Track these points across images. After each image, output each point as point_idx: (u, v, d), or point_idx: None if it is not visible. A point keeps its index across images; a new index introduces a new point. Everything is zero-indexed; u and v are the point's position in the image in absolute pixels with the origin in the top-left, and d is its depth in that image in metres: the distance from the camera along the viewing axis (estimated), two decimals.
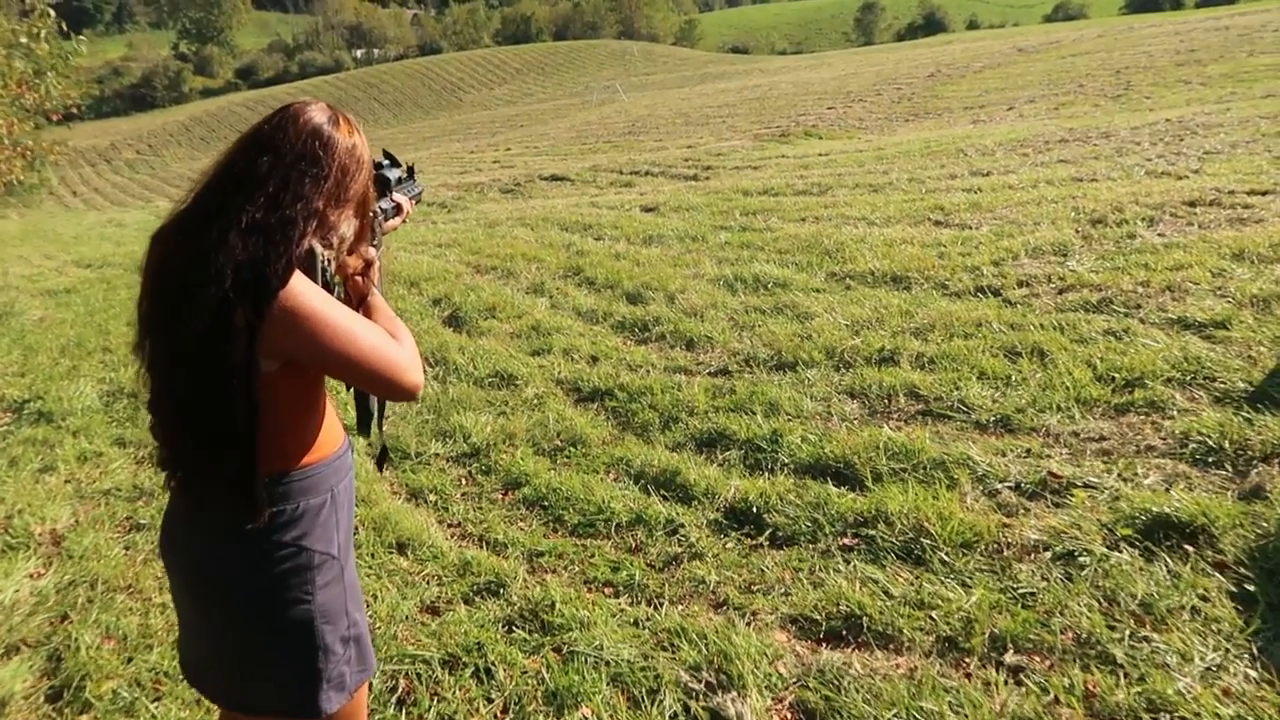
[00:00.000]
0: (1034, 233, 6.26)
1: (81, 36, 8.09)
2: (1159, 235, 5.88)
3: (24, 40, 6.18)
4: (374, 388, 1.54)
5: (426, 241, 9.57)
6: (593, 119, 29.86)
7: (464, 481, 3.91)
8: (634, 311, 5.83)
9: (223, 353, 1.40)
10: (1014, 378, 4.01)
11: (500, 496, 3.72)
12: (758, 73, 44.68)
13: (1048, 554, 2.75)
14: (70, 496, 4.09)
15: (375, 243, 1.73)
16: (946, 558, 2.80)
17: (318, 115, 1.55)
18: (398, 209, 2.00)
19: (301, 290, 1.42)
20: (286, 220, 1.44)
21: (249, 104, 56.86)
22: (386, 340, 1.52)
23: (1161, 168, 8.15)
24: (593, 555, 3.14)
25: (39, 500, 4.04)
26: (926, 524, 2.95)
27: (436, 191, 14.97)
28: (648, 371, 4.81)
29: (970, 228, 6.74)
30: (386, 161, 2.05)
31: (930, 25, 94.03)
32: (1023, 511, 3.00)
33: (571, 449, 4.04)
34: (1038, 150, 10.41)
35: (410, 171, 2.19)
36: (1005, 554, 2.78)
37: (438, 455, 4.18)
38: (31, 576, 3.40)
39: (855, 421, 3.89)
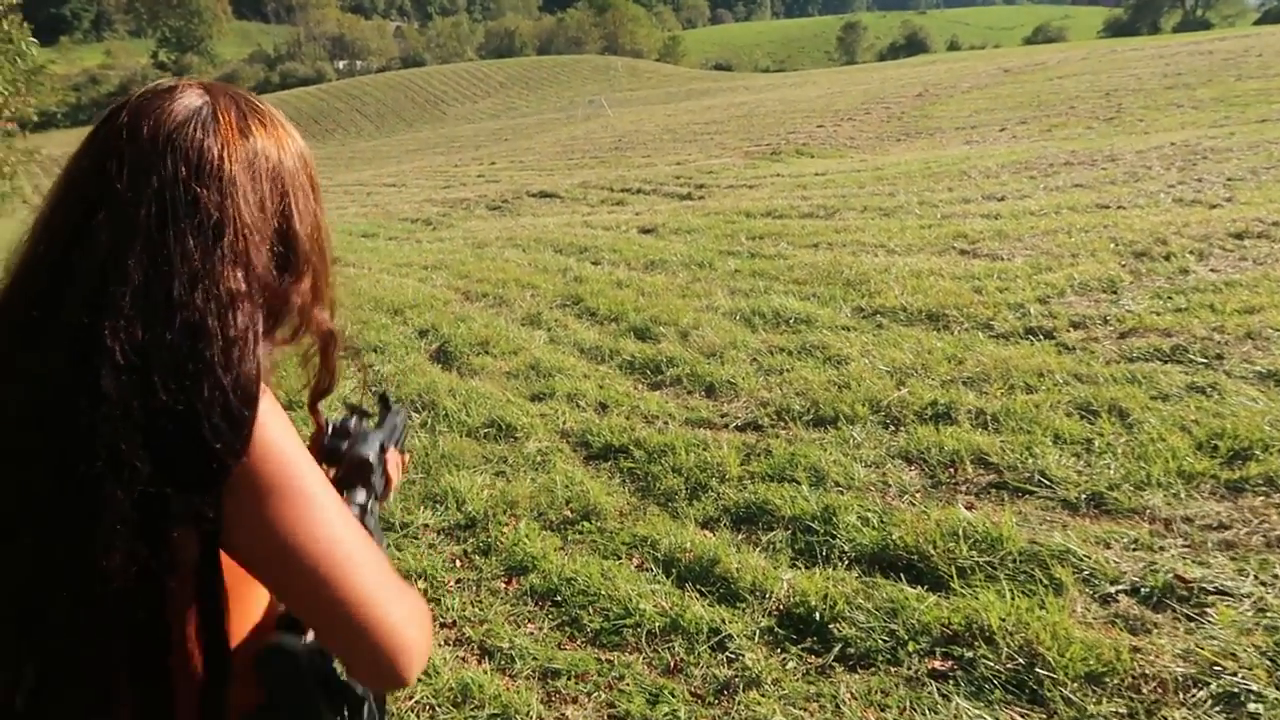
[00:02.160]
0: (1075, 265, 5.76)
1: (33, 40, 7.46)
2: (1213, 271, 5.40)
3: None
4: (351, 653, 0.87)
5: (411, 263, 8.97)
6: (578, 134, 29.35)
7: (459, 563, 3.31)
8: (643, 349, 5.26)
9: (149, 597, 0.78)
10: (1096, 443, 3.47)
11: (503, 585, 3.12)
12: (743, 90, 44.40)
13: (1202, 693, 2.19)
14: None
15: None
16: (1072, 695, 2.24)
17: (180, 110, 0.87)
18: (386, 483, 1.26)
19: (275, 437, 0.84)
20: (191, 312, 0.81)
21: None
22: (395, 583, 0.90)
23: (1188, 195, 7.71)
24: (621, 676, 2.55)
25: None
26: (1038, 646, 2.38)
27: (421, 207, 14.38)
28: (666, 424, 4.24)
29: (1002, 258, 6.24)
30: (349, 419, 1.23)
31: (912, 46, 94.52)
32: (1153, 629, 2.45)
33: (584, 523, 3.45)
34: (1043, 173, 9.99)
35: (384, 402, 1.41)
36: (1145, 692, 2.22)
37: (427, 527, 3.58)
38: None
39: (918, 495, 3.33)
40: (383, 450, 1.18)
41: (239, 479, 0.80)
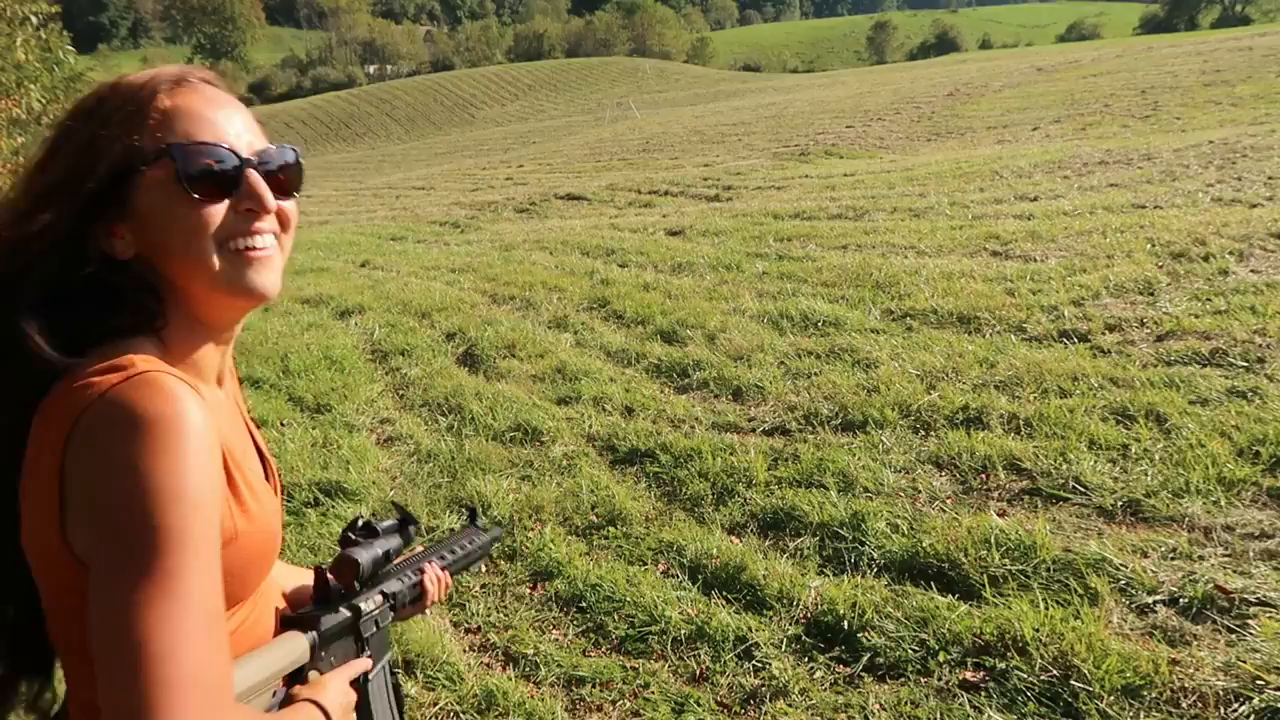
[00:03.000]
0: (1110, 267, 5.65)
1: (71, 49, 7.60)
2: (1253, 272, 5.27)
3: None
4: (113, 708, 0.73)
5: (439, 266, 9.01)
6: (606, 136, 29.37)
7: (484, 568, 3.30)
8: (670, 353, 5.23)
9: None
10: (1133, 449, 3.39)
11: (528, 591, 3.11)
12: (771, 90, 44.19)
13: (1244, 708, 2.13)
14: None
15: (364, 649, 1.09)
16: (1108, 709, 2.18)
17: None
18: (417, 593, 1.22)
19: (146, 416, 0.78)
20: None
21: (262, 119, 55.64)
22: (214, 706, 0.75)
23: (1228, 194, 7.54)
24: (647, 685, 2.52)
25: None
26: (1073, 657, 2.33)
27: (449, 210, 14.46)
28: (692, 428, 4.20)
29: (1035, 260, 6.14)
30: (380, 520, 1.15)
31: (943, 45, 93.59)
32: (1192, 640, 2.38)
33: (610, 528, 3.43)
34: (1077, 173, 9.83)
35: (471, 516, 1.38)
36: (1185, 706, 2.16)
37: (453, 531, 3.57)
38: None
39: (949, 501, 3.27)
40: (388, 557, 1.11)
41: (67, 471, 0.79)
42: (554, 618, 2.94)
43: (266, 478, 1.03)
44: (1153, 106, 17.40)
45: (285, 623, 1.03)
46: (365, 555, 1.07)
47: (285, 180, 0.97)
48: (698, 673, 2.56)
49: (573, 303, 6.69)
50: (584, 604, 2.96)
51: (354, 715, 1.06)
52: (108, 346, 0.85)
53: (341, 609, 1.06)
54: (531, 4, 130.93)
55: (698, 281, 6.83)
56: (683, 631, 2.72)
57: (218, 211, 0.90)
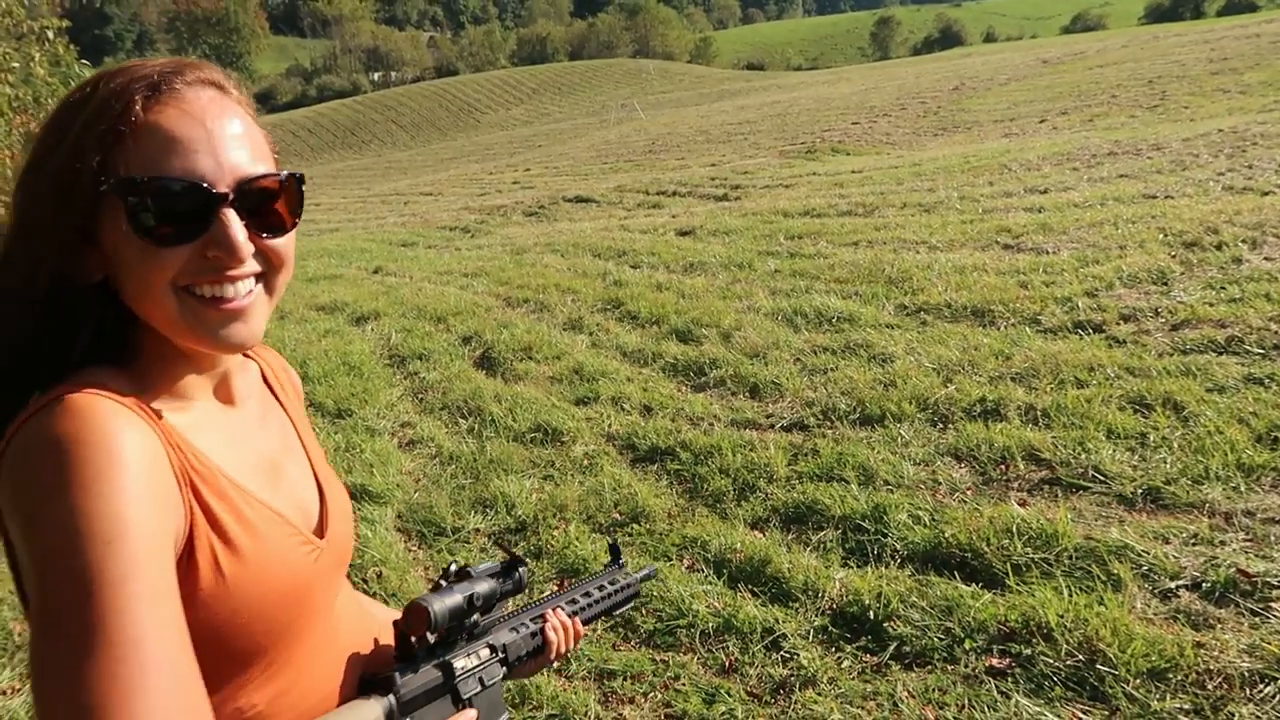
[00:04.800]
0: (1123, 258, 5.67)
1: (85, 62, 7.70)
2: (1267, 260, 5.28)
3: (15, 65, 5.77)
4: None
5: (452, 270, 9.07)
6: (612, 138, 29.43)
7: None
8: (686, 352, 5.28)
9: None
10: (1151, 437, 3.42)
11: (555, 588, 3.15)
12: (775, 89, 44.18)
13: (1270, 688, 2.16)
14: None
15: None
16: (1134, 692, 2.21)
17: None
18: (538, 644, 1.10)
19: (55, 443, 0.68)
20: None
21: (268, 128, 56.63)
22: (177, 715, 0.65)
23: (1239, 183, 7.54)
24: (677, 677, 2.56)
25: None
26: (1098, 642, 2.36)
27: (458, 215, 14.53)
28: (711, 425, 4.25)
29: (1047, 252, 6.16)
30: (474, 567, 1.01)
31: (947, 39, 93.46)
32: (1216, 624, 2.41)
33: (634, 525, 3.47)
34: (1086, 164, 9.83)
35: (614, 553, 1.24)
36: (1210, 688, 2.19)
37: (478, 531, 3.62)
38: (4, 693, 2.87)
39: (969, 492, 3.30)
40: (471, 603, 0.94)
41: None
42: None
43: (321, 519, 0.92)
44: (1160, 96, 17.34)
45: (362, 685, 0.91)
46: (439, 603, 0.91)
47: (280, 211, 0.82)
48: (727, 664, 2.60)
49: (587, 304, 6.74)
50: None
51: None
52: (71, 375, 0.76)
53: (428, 667, 0.92)
54: (534, 7, 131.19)
55: (710, 281, 6.87)
56: (710, 624, 2.76)
57: (176, 257, 0.76)
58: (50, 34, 6.53)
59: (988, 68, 31.08)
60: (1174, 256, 5.54)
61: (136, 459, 0.69)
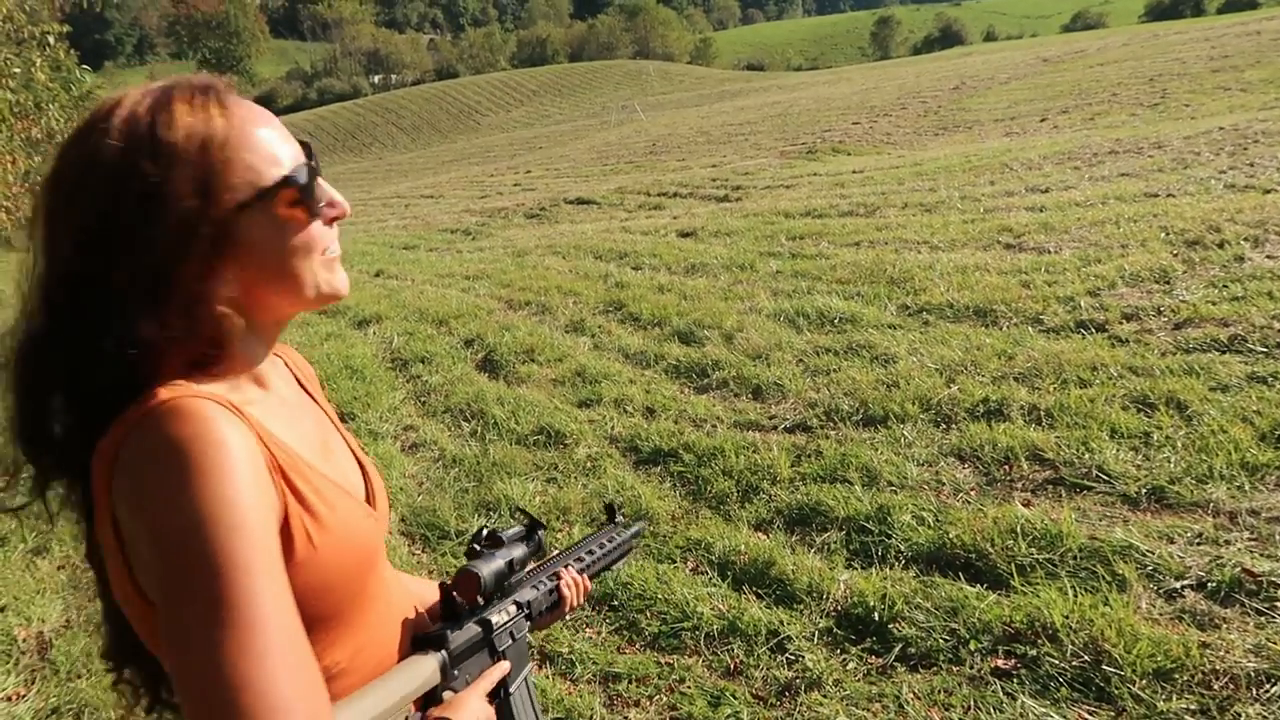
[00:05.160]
0: (1125, 257, 5.66)
1: (86, 67, 7.72)
2: (1269, 258, 5.27)
3: (16, 71, 5.78)
4: None
5: (453, 273, 9.08)
6: (612, 139, 29.44)
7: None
8: (688, 353, 5.28)
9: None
10: (1155, 437, 3.41)
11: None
12: (776, 89, 44.18)
13: (1277, 688, 2.15)
14: (63, 588, 3.56)
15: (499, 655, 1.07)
16: (1141, 692, 2.21)
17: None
18: (554, 599, 1.21)
19: (180, 446, 0.75)
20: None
21: None
22: (297, 676, 0.74)
23: (1241, 181, 7.53)
24: (682, 679, 2.56)
25: (27, 593, 3.52)
26: (1103, 643, 2.36)
27: (459, 218, 14.54)
28: (714, 427, 4.25)
29: (1049, 251, 6.15)
30: (503, 530, 1.12)
31: (947, 38, 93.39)
32: (1222, 624, 2.41)
33: None
34: (1088, 163, 9.82)
35: (610, 512, 1.36)
36: (1217, 688, 2.19)
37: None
38: (9, 699, 2.87)
39: (973, 493, 3.30)
40: (512, 567, 1.08)
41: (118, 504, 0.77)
42: (586, 616, 2.98)
43: (368, 493, 1.01)
44: (1161, 94, 17.33)
45: (414, 643, 1.01)
46: (486, 568, 1.04)
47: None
48: (732, 666, 2.60)
49: (589, 306, 6.74)
50: (616, 602, 3.00)
51: None
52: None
53: (470, 624, 1.03)
54: (533, 9, 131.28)
55: (712, 282, 6.87)
56: (715, 627, 2.76)
57: (317, 226, 0.90)
58: (51, 39, 6.54)
59: (988, 67, 31.08)
60: (1176, 255, 5.53)
61: (243, 454, 0.77)
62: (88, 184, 0.82)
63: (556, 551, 1.30)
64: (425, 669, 0.96)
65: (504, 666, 1.06)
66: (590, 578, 1.31)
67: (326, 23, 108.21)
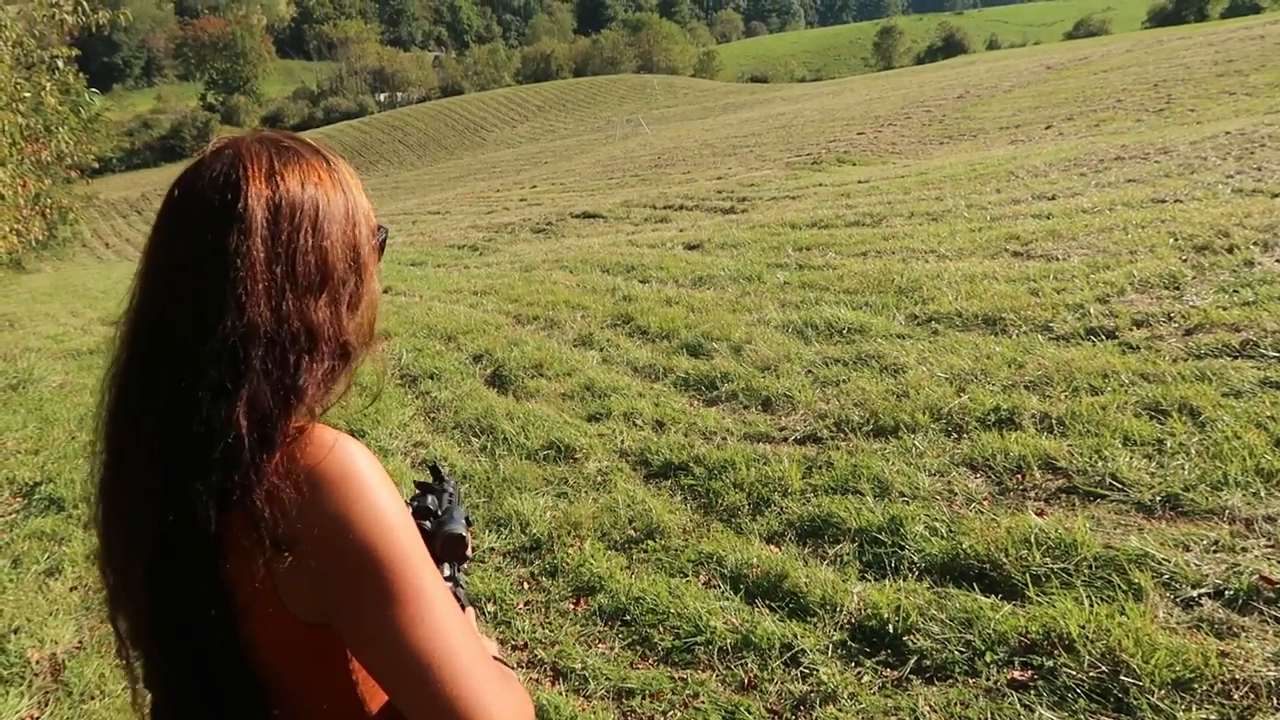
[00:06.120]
0: (1134, 263, 5.64)
1: (94, 89, 7.79)
2: (1279, 262, 5.25)
3: (26, 95, 5.84)
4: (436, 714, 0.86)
5: (461, 289, 9.10)
6: (618, 153, 29.54)
7: (526, 585, 3.35)
8: (697, 366, 5.27)
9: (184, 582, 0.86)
10: (1168, 444, 3.39)
11: (572, 606, 3.15)
12: (780, 100, 44.30)
13: None
14: (75, 609, 3.57)
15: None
16: (1159, 703, 2.19)
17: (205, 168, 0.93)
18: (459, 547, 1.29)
19: (378, 515, 0.86)
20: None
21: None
22: (497, 678, 0.90)
23: (1248, 185, 7.51)
24: (696, 695, 2.55)
25: (40, 614, 3.52)
26: (1120, 653, 2.33)
27: (466, 233, 14.59)
28: (724, 439, 4.24)
29: (1057, 259, 6.14)
30: (423, 497, 1.26)
31: (950, 48, 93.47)
32: (1240, 632, 2.38)
33: (649, 541, 3.46)
34: (1094, 169, 9.81)
35: (436, 473, 1.42)
36: (1237, 698, 2.17)
37: (493, 550, 3.62)
38: None
39: (986, 503, 3.29)
40: (468, 521, 1.23)
41: (314, 542, 0.83)
42: (599, 632, 2.97)
43: None
44: (1166, 100, 17.31)
45: None
46: (461, 528, 1.17)
47: None
48: (746, 681, 2.59)
49: (596, 320, 6.74)
50: (628, 617, 2.99)
51: None
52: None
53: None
54: (538, 25, 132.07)
55: (720, 294, 6.87)
56: (728, 641, 2.74)
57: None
58: (60, 63, 6.61)
59: (992, 75, 31.10)
60: (1185, 260, 5.51)
61: (385, 474, 0.90)
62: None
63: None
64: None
65: (472, 613, 1.16)
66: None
67: (332, 42, 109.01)
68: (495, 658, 1.03)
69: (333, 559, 0.84)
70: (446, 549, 1.14)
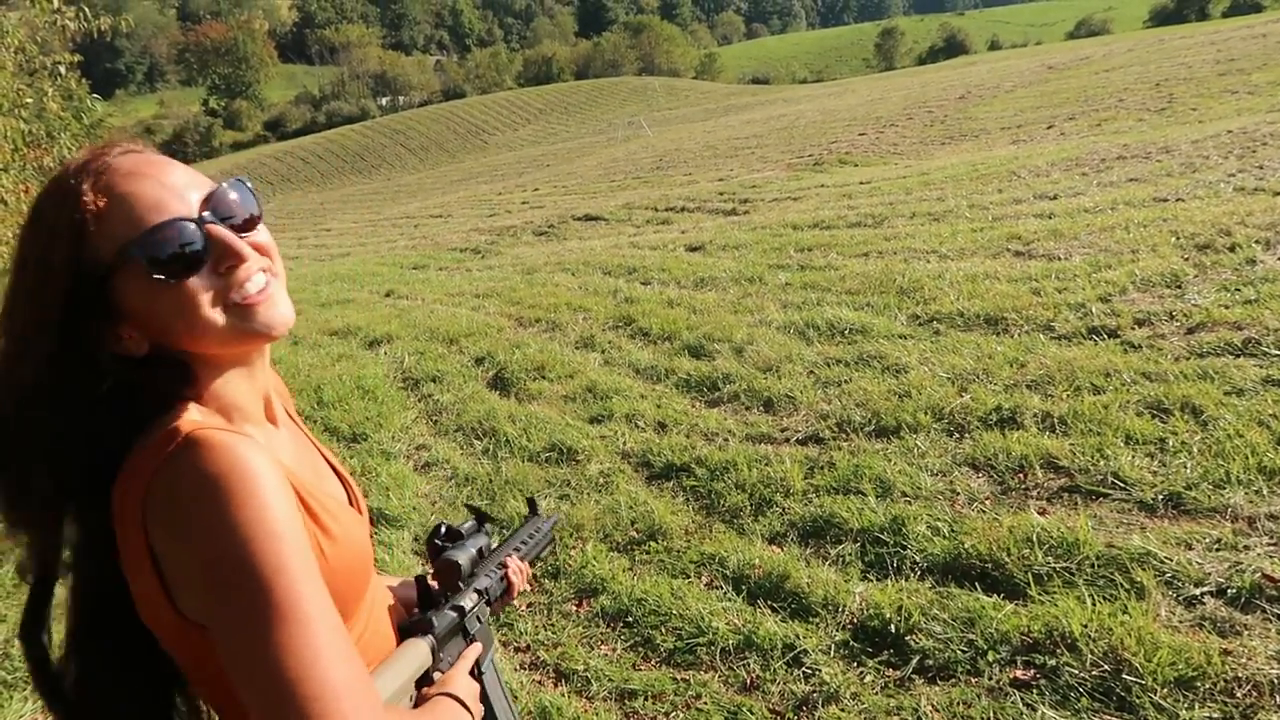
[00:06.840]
0: (1135, 262, 5.64)
1: (96, 95, 7.81)
2: None
3: (29, 101, 5.85)
4: None
5: (463, 292, 9.11)
6: (619, 155, 29.55)
7: (528, 587, 3.34)
8: (699, 367, 5.27)
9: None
10: (1170, 443, 3.39)
11: (574, 608, 3.15)
12: (781, 102, 44.31)
13: None
14: None
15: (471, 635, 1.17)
16: (1162, 701, 2.18)
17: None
18: (505, 585, 1.29)
19: (213, 475, 0.82)
20: None
21: (278, 155, 57.36)
22: (365, 702, 0.81)
23: (1250, 183, 7.50)
24: (699, 695, 2.55)
25: None
26: (1123, 651, 2.33)
27: (468, 236, 14.61)
28: (726, 441, 4.24)
29: (1059, 258, 6.14)
30: (461, 525, 1.24)
31: (951, 48, 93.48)
32: (1243, 631, 2.38)
33: (651, 543, 3.46)
34: (1096, 169, 9.80)
35: (531, 506, 1.48)
36: (1239, 696, 2.16)
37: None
38: None
39: (988, 502, 3.28)
40: (481, 555, 1.20)
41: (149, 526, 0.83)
42: (602, 633, 2.97)
43: (350, 499, 1.07)
44: (1168, 99, 17.29)
45: (402, 631, 1.09)
46: (464, 556, 1.15)
47: (247, 216, 0.94)
48: (748, 681, 2.59)
49: (598, 322, 6.75)
50: (630, 618, 2.99)
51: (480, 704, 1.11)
52: (169, 413, 0.88)
53: (448, 610, 1.12)
54: (539, 28, 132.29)
55: (721, 295, 6.87)
56: (731, 641, 2.75)
57: (200, 283, 0.88)
58: (63, 69, 6.62)
59: (993, 75, 31.08)
60: (1187, 259, 5.50)
61: (271, 476, 0.83)
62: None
63: (497, 543, 1.38)
64: (422, 652, 1.05)
65: (478, 647, 1.15)
66: (530, 565, 1.41)
67: (334, 47, 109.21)
68: (448, 694, 1.02)
69: (193, 565, 0.81)
70: (439, 573, 1.15)
